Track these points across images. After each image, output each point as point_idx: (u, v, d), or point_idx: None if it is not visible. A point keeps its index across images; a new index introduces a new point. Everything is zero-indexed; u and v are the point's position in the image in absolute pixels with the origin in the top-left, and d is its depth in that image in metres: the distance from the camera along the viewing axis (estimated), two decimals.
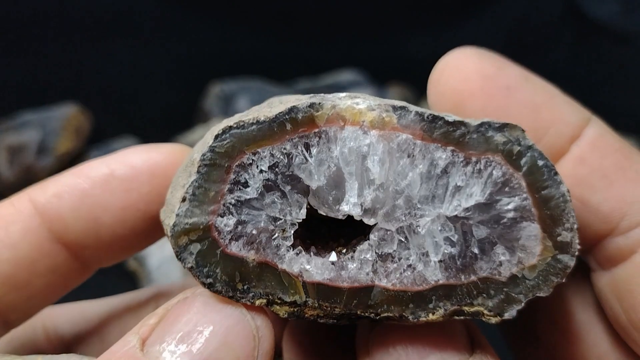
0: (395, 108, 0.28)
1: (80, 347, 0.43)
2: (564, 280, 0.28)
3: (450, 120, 0.28)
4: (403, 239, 0.28)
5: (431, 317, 0.28)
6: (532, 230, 0.27)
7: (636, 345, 0.32)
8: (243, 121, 0.27)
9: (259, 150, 0.27)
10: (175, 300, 0.28)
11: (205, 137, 0.30)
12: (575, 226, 0.27)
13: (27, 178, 1.17)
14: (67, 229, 0.34)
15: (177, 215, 0.27)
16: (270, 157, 0.28)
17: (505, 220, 0.28)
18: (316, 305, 0.28)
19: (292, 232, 0.28)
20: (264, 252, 0.28)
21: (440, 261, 0.28)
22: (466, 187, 0.28)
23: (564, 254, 0.27)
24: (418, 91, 1.40)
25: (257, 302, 0.28)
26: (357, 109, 0.28)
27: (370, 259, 0.28)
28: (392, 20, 1.49)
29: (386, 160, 0.28)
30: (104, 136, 1.36)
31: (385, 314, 0.28)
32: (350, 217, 0.28)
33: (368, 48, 1.48)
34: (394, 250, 0.28)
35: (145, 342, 0.26)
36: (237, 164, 0.27)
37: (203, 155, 0.27)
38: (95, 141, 1.35)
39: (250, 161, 0.28)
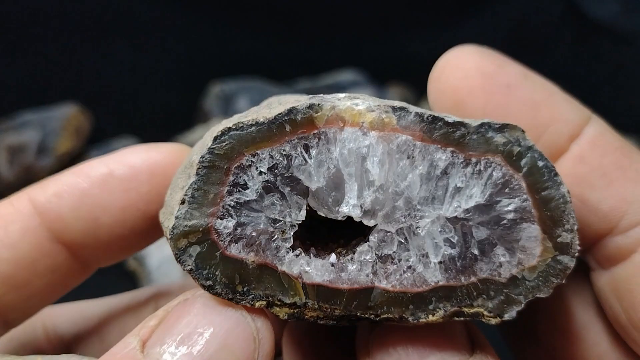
0: (394, 109, 0.28)
1: (80, 347, 0.43)
2: (563, 281, 0.28)
3: (450, 121, 0.28)
4: (403, 240, 0.28)
5: (431, 318, 0.28)
6: (532, 231, 0.27)
7: (636, 345, 0.32)
8: (242, 122, 0.27)
9: (258, 151, 0.27)
10: (175, 301, 0.28)
11: (204, 138, 0.30)
12: (576, 227, 0.27)
13: (27, 178, 1.17)
14: (66, 228, 0.34)
15: (177, 217, 0.27)
16: (269, 159, 0.28)
17: (505, 221, 0.28)
18: (316, 306, 0.28)
19: (292, 233, 0.28)
20: (263, 253, 0.28)
21: (440, 262, 0.28)
22: (466, 188, 0.28)
23: (564, 255, 0.27)
24: (418, 91, 1.40)
25: (257, 304, 0.28)
26: (356, 110, 0.28)
27: (370, 260, 0.28)
28: (392, 20, 1.49)
29: (386, 161, 0.28)
30: (104, 136, 1.36)
31: (385, 315, 0.28)
32: (349, 218, 0.28)
33: (368, 48, 1.48)
34: (394, 252, 0.28)
35: (146, 344, 0.26)
36: (236, 165, 0.27)
37: (202, 157, 0.27)
38: (95, 141, 1.35)
39: (250, 163, 0.27)
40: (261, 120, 0.27)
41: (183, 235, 0.27)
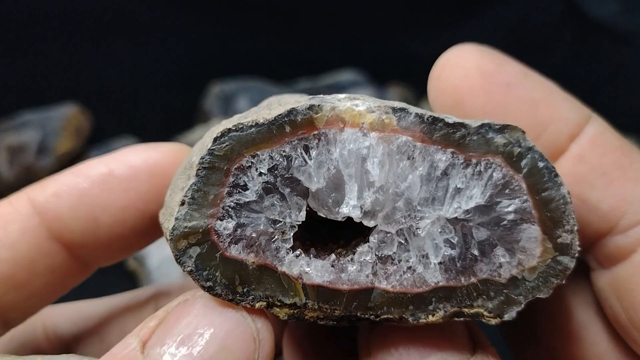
0: (395, 110, 0.28)
1: (79, 347, 0.43)
2: (563, 282, 0.28)
3: (450, 122, 0.28)
4: (403, 241, 0.28)
5: (431, 318, 0.28)
6: (532, 232, 0.27)
7: (636, 345, 0.32)
8: (242, 123, 0.27)
9: (258, 152, 0.27)
10: (175, 302, 0.28)
11: (204, 139, 0.30)
12: (576, 228, 0.27)
13: (27, 178, 1.17)
14: (65, 228, 0.34)
15: (176, 218, 0.27)
16: (269, 160, 0.28)
17: (505, 222, 0.28)
18: (316, 307, 0.28)
19: (292, 234, 0.28)
20: (263, 254, 0.28)
21: (440, 263, 0.28)
22: (466, 189, 0.28)
23: (564, 256, 0.27)
24: (418, 91, 1.40)
25: (257, 305, 0.28)
26: (356, 111, 0.28)
27: (370, 261, 0.28)
28: (392, 20, 1.49)
29: (386, 162, 0.28)
30: (104, 136, 1.36)
31: (385, 316, 0.28)
32: (350, 219, 0.28)
33: (368, 48, 1.48)
34: (394, 252, 0.28)
35: (146, 345, 0.26)
36: (236, 166, 0.27)
37: (202, 158, 0.27)
38: (95, 141, 1.35)
39: (250, 164, 0.27)
40: (261, 121, 0.27)
41: (183, 236, 0.27)
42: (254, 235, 0.28)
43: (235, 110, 1.29)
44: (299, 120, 0.27)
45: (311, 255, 0.28)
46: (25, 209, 0.34)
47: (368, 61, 1.45)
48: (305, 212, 0.28)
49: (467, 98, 0.33)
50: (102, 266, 0.37)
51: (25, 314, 0.36)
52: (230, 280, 0.27)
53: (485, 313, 0.28)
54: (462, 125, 0.28)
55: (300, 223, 0.28)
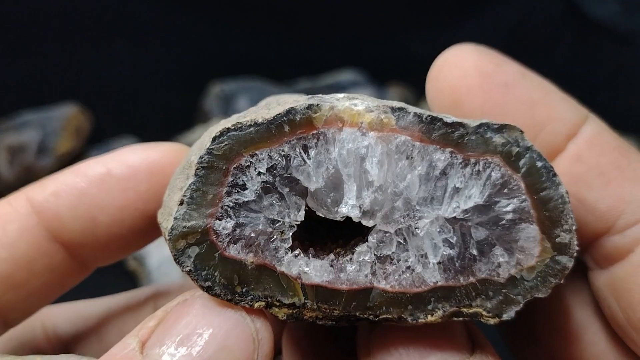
0: (393, 109, 0.28)
1: (79, 347, 0.43)
2: (562, 282, 0.28)
3: (449, 121, 0.28)
4: (402, 241, 0.28)
5: (430, 318, 0.28)
6: (530, 231, 0.27)
7: (634, 344, 0.32)
8: (241, 123, 0.27)
9: (257, 152, 0.27)
10: (174, 302, 0.28)
11: (203, 138, 0.30)
12: (574, 227, 0.27)
13: (27, 178, 1.17)
14: (64, 227, 0.34)
15: (175, 218, 0.27)
16: (268, 159, 0.28)
17: (504, 221, 0.28)
18: (315, 307, 0.28)
19: (291, 234, 0.28)
20: (262, 254, 0.28)
21: (439, 263, 0.28)
22: (465, 188, 0.28)
23: (562, 255, 0.27)
24: (418, 91, 1.40)
25: (256, 305, 0.28)
26: (355, 111, 0.28)
27: (368, 260, 0.28)
28: (392, 20, 1.49)
29: (385, 162, 0.28)
30: (104, 136, 1.36)
31: (384, 316, 0.28)
32: (348, 219, 0.28)
33: (368, 48, 1.48)
34: (393, 252, 0.28)
35: (145, 345, 0.26)
36: (235, 166, 0.27)
37: (201, 157, 0.27)
38: (95, 141, 1.35)
39: (248, 163, 0.27)
40: (260, 120, 0.27)
41: (182, 236, 0.27)
42: (252, 235, 0.28)
43: (235, 110, 1.29)
44: (298, 119, 0.27)
45: (310, 255, 0.28)
46: (24, 208, 0.34)
47: (368, 61, 1.45)
48: (304, 211, 0.28)
49: (465, 98, 0.33)
50: (101, 266, 0.37)
51: (24, 313, 0.36)
52: (229, 280, 0.27)
53: (484, 313, 0.28)
54: (460, 124, 0.28)
55: (299, 223, 0.28)
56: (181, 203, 0.27)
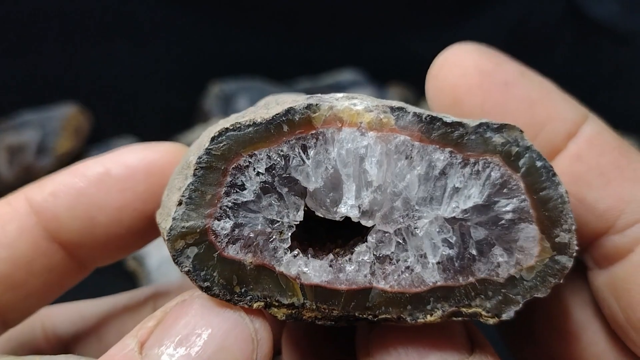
0: (393, 109, 0.28)
1: (78, 347, 0.43)
2: (561, 281, 0.28)
3: (448, 121, 0.28)
4: (401, 241, 0.28)
5: (429, 318, 0.28)
6: (530, 231, 0.27)
7: (633, 344, 0.32)
8: (239, 123, 0.27)
9: (256, 152, 0.27)
10: (173, 302, 0.28)
11: (201, 138, 0.30)
12: (574, 227, 0.27)
13: (27, 178, 1.17)
14: (63, 228, 0.34)
15: (174, 218, 0.27)
16: (267, 159, 0.27)
17: (503, 221, 0.28)
18: (314, 307, 0.28)
19: (290, 234, 0.28)
20: (261, 254, 0.28)
21: (438, 263, 0.28)
22: (464, 188, 0.28)
23: (561, 255, 0.27)
24: (418, 91, 1.40)
25: (255, 305, 0.28)
26: (354, 110, 0.28)
27: (368, 261, 0.28)
28: (392, 20, 1.49)
29: (384, 161, 0.28)
30: (103, 136, 1.36)
31: (383, 316, 0.28)
32: (348, 219, 0.28)
33: (368, 48, 1.48)
34: (392, 252, 0.28)
35: (144, 345, 0.26)
36: (233, 166, 0.27)
37: (199, 157, 0.27)
38: (95, 141, 1.35)
39: (247, 163, 0.27)
40: (259, 120, 0.27)
41: (180, 236, 0.27)
42: (251, 235, 0.28)
43: (235, 110, 1.29)
44: (297, 119, 0.27)
45: (309, 255, 0.28)
46: (23, 208, 0.34)
47: (368, 61, 1.45)
48: (303, 211, 0.28)
49: (465, 97, 0.33)
50: (100, 266, 0.37)
51: (23, 314, 0.36)
52: (228, 280, 0.27)
53: (484, 313, 0.28)
54: (460, 124, 0.28)
55: (298, 223, 0.28)
56: (180, 203, 0.27)
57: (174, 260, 0.27)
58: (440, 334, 0.29)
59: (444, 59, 0.35)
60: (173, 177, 0.30)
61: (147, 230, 0.35)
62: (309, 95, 0.29)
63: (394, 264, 0.28)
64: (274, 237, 0.28)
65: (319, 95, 0.29)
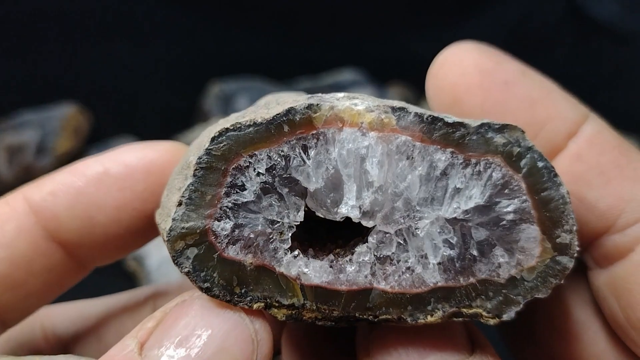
0: (394, 109, 0.28)
1: (77, 347, 0.43)
2: (562, 282, 0.28)
3: (449, 121, 0.28)
4: (402, 242, 0.28)
5: (430, 319, 0.28)
6: (531, 232, 0.27)
7: (634, 344, 0.32)
8: (240, 123, 0.27)
9: (256, 152, 0.27)
10: (173, 303, 0.28)
11: (201, 138, 0.30)
12: (575, 228, 0.27)
13: (27, 178, 1.16)
14: (62, 227, 0.34)
15: (174, 219, 0.27)
16: (267, 160, 0.27)
17: (504, 222, 0.27)
18: (314, 308, 0.28)
19: (290, 234, 0.28)
20: (261, 255, 0.28)
21: (439, 263, 0.28)
22: (465, 189, 0.28)
23: (563, 256, 0.27)
24: (418, 91, 1.40)
25: (255, 306, 0.28)
26: (355, 110, 0.28)
27: (368, 261, 0.28)
28: (392, 20, 1.49)
29: (385, 162, 0.27)
30: (103, 136, 1.36)
31: (384, 317, 0.28)
32: (348, 219, 0.28)
33: (368, 47, 1.48)
34: (393, 253, 0.28)
35: (144, 346, 0.26)
36: (233, 166, 0.27)
37: (199, 158, 0.27)
38: (94, 141, 1.35)
39: (247, 164, 0.27)
40: (259, 120, 0.27)
41: (180, 237, 0.27)
42: (251, 235, 0.28)
43: (234, 110, 1.29)
44: (298, 119, 0.27)
45: (309, 256, 0.28)
46: (22, 208, 0.34)
47: (368, 61, 1.45)
48: (303, 212, 0.28)
49: (465, 96, 0.33)
50: (99, 265, 0.37)
51: (23, 313, 0.36)
52: (228, 281, 0.27)
53: (484, 313, 0.28)
54: (461, 124, 0.28)
55: (299, 223, 0.28)
56: (179, 204, 0.27)
57: (173, 261, 0.27)
58: (440, 335, 0.29)
59: (444, 58, 0.35)
60: (173, 177, 0.30)
61: (146, 229, 0.35)
62: (309, 95, 0.29)
63: (395, 265, 0.28)
64: (274, 237, 0.28)
65: (320, 95, 0.28)
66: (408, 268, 0.28)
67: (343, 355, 0.36)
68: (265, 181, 0.27)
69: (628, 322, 0.32)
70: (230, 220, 0.27)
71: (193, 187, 0.27)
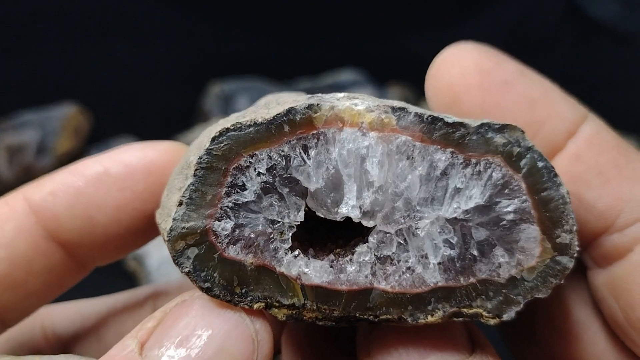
0: (394, 109, 0.28)
1: (77, 347, 0.43)
2: (562, 282, 0.28)
3: (450, 121, 0.28)
4: (402, 241, 0.28)
5: (430, 319, 0.28)
6: (531, 232, 0.27)
7: (633, 344, 0.32)
8: (240, 123, 0.27)
9: (257, 152, 0.27)
10: (173, 303, 0.28)
11: (201, 138, 0.30)
12: (575, 228, 0.27)
13: (27, 178, 1.16)
14: (61, 227, 0.34)
15: (174, 219, 0.27)
16: (267, 160, 0.27)
17: (504, 222, 0.28)
18: (315, 308, 0.28)
19: (290, 234, 0.28)
20: (261, 255, 0.28)
21: (439, 263, 0.28)
22: (466, 189, 0.28)
23: (562, 256, 0.27)
24: (418, 91, 1.40)
25: (256, 306, 0.28)
26: (355, 110, 0.28)
27: (368, 261, 0.28)
28: (392, 20, 1.49)
29: (385, 162, 0.27)
30: (103, 136, 1.36)
31: (384, 317, 0.28)
32: (348, 219, 0.28)
33: (368, 48, 1.48)
34: (393, 253, 0.28)
35: (144, 346, 0.26)
36: (234, 166, 0.27)
37: (200, 158, 0.27)
38: (94, 141, 1.35)
39: (248, 164, 0.27)
40: (259, 120, 0.27)
41: (181, 237, 0.27)
42: (252, 235, 0.28)
43: (234, 110, 1.29)
44: (298, 119, 0.27)
45: (310, 256, 0.28)
46: (21, 208, 0.34)
47: (368, 61, 1.45)
48: (303, 212, 0.28)
49: (465, 96, 0.33)
50: (99, 265, 0.37)
51: (23, 313, 0.36)
52: (228, 281, 0.27)
53: (484, 313, 0.28)
54: (461, 124, 0.28)
55: (299, 223, 0.28)
56: (180, 204, 0.27)
57: (174, 261, 0.27)
58: (441, 335, 0.29)
59: (444, 59, 0.35)
60: (173, 177, 0.30)
61: (146, 229, 0.35)
62: (309, 95, 0.29)
63: (395, 265, 0.28)
64: (274, 237, 0.28)
65: (320, 95, 0.28)
66: (408, 268, 0.28)
67: (343, 355, 0.36)
68: (266, 181, 0.27)
69: (627, 322, 0.32)
70: (230, 220, 0.27)
71: (193, 187, 0.27)
